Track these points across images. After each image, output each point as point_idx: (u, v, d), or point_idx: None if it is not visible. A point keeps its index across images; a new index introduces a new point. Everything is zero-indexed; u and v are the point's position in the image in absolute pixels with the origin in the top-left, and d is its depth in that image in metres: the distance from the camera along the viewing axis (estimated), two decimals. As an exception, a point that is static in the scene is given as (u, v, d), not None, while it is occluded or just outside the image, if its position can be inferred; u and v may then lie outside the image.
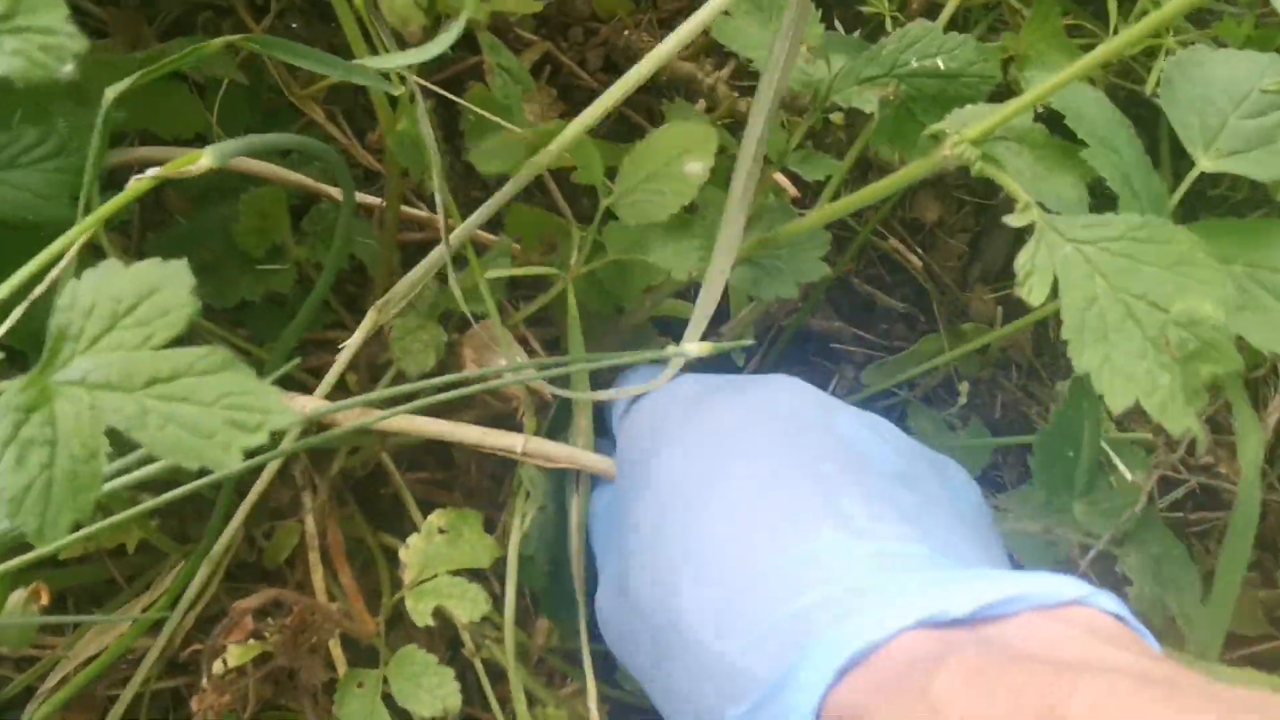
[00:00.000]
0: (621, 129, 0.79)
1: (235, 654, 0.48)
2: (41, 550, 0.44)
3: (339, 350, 0.55)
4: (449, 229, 0.52)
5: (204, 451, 0.37)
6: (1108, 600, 0.35)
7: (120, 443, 0.38)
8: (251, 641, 0.49)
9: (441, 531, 0.54)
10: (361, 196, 0.67)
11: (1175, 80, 0.52)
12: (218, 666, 0.47)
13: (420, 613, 0.53)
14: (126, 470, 0.44)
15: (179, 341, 0.38)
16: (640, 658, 0.45)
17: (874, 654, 0.34)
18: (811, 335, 0.83)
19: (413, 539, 0.54)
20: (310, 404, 0.51)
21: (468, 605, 0.53)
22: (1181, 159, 0.52)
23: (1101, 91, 0.55)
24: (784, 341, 0.79)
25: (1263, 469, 0.89)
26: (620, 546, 0.48)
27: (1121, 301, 0.45)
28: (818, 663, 0.35)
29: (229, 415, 0.37)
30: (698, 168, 0.55)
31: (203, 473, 0.44)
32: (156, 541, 0.57)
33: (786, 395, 0.49)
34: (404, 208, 0.68)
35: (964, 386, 0.81)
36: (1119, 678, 0.29)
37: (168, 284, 0.38)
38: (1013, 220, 0.47)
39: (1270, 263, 0.51)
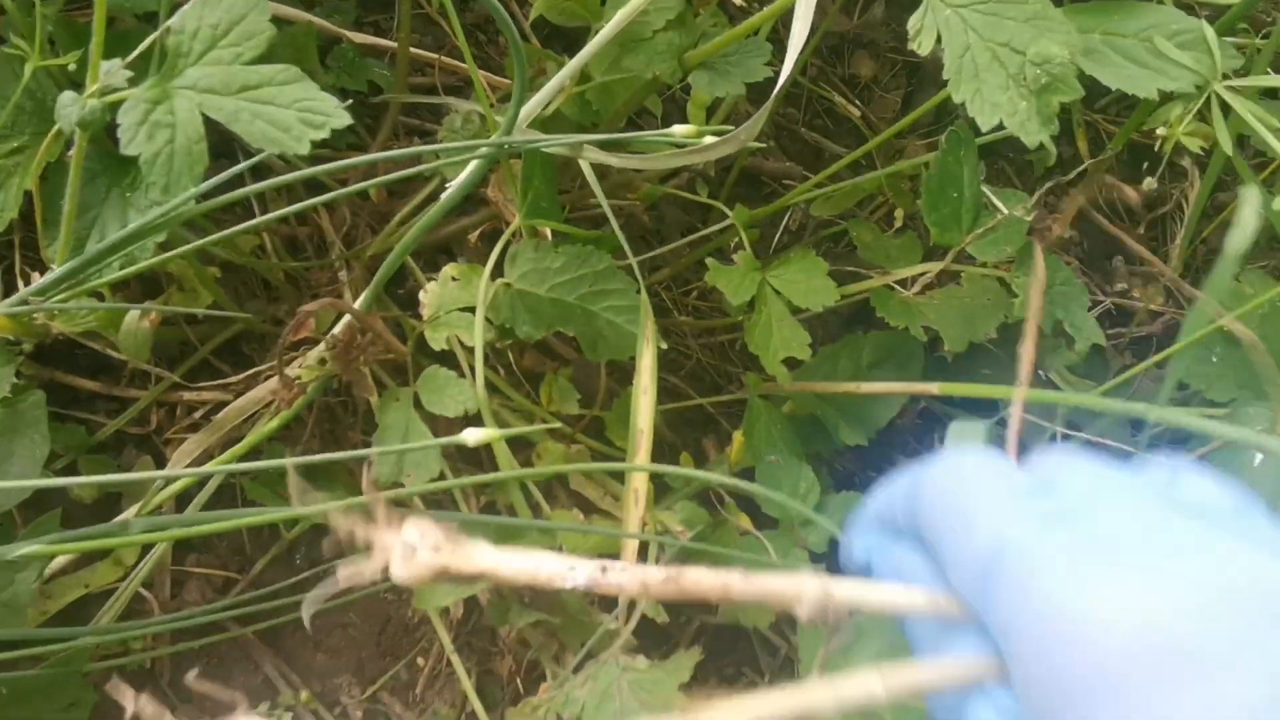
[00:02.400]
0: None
1: (305, 372, 0.61)
2: (143, 263, 0.56)
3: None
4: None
5: (282, 140, 0.49)
6: None
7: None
8: (314, 362, 0.61)
9: (454, 279, 0.66)
10: (376, 40, 0.79)
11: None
12: (290, 370, 0.59)
13: (436, 340, 0.65)
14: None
15: (262, 59, 0.50)
16: None
17: None
18: (766, 174, 0.96)
19: (430, 285, 0.66)
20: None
21: (470, 329, 0.65)
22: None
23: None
24: (734, 176, 0.91)
25: (1171, 289, 1.03)
26: None
27: (989, 48, 0.58)
28: None
29: (301, 115, 0.50)
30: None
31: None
32: (224, 305, 0.69)
33: (1198, 493, 0.31)
34: (413, 50, 0.80)
35: (899, 212, 0.93)
36: None
37: (251, 13, 0.50)
38: (904, -9, 0.59)
39: (1119, 30, 0.64)
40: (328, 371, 0.61)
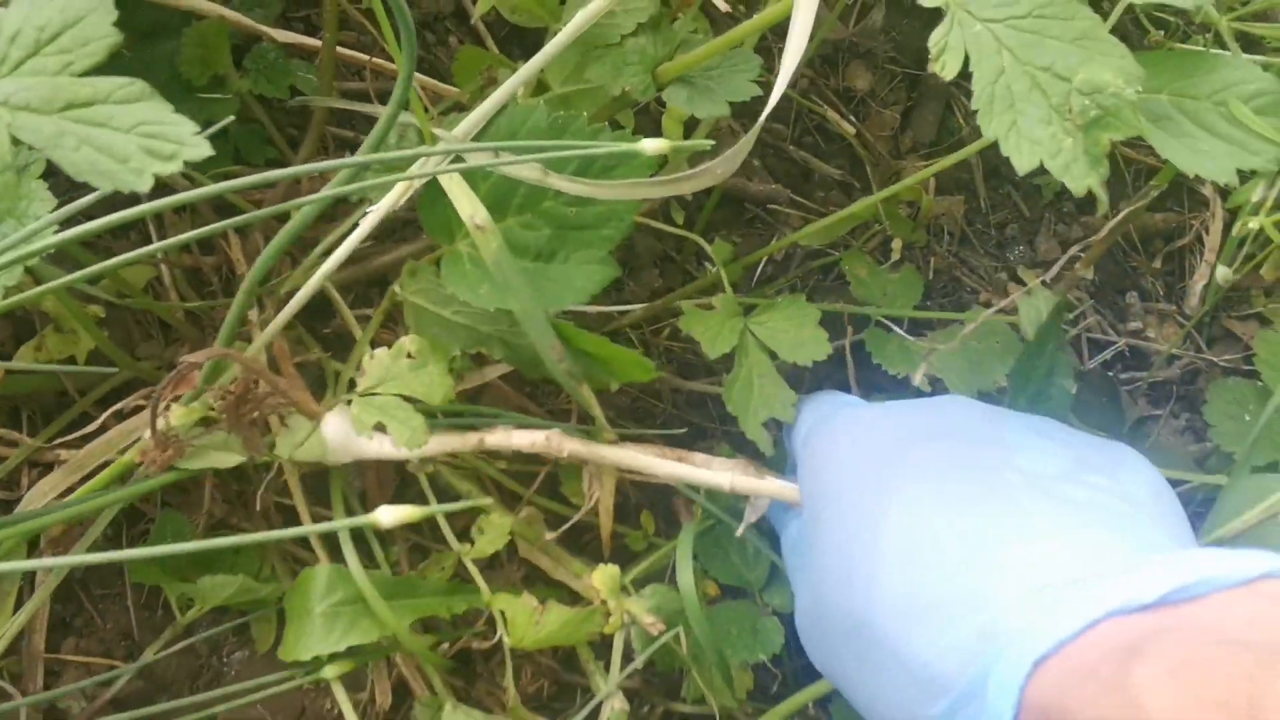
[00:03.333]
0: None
1: (177, 414, 0.50)
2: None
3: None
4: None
5: (118, 175, 0.39)
6: None
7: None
8: (193, 406, 0.50)
9: (409, 357, 0.56)
10: (302, 38, 0.68)
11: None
12: (161, 423, 0.48)
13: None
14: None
15: (105, 69, 0.39)
16: (840, 669, 0.47)
17: (1068, 647, 0.34)
18: (750, 199, 0.85)
19: (380, 351, 0.55)
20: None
21: (408, 433, 0.54)
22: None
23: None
24: (714, 201, 0.81)
25: (1191, 333, 0.94)
26: (812, 568, 0.49)
27: (1027, 73, 0.48)
28: (1012, 661, 0.35)
29: (144, 143, 0.39)
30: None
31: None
32: (107, 351, 0.58)
33: (955, 410, 0.52)
34: (341, 49, 0.69)
35: (897, 243, 0.83)
36: None
37: (91, 14, 0.39)
38: (925, 0, 0.49)
39: (1191, 91, 0.54)
40: (213, 425, 0.50)
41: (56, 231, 0.46)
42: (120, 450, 0.61)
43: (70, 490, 0.60)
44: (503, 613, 0.61)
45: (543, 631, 0.61)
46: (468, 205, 0.53)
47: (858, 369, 0.78)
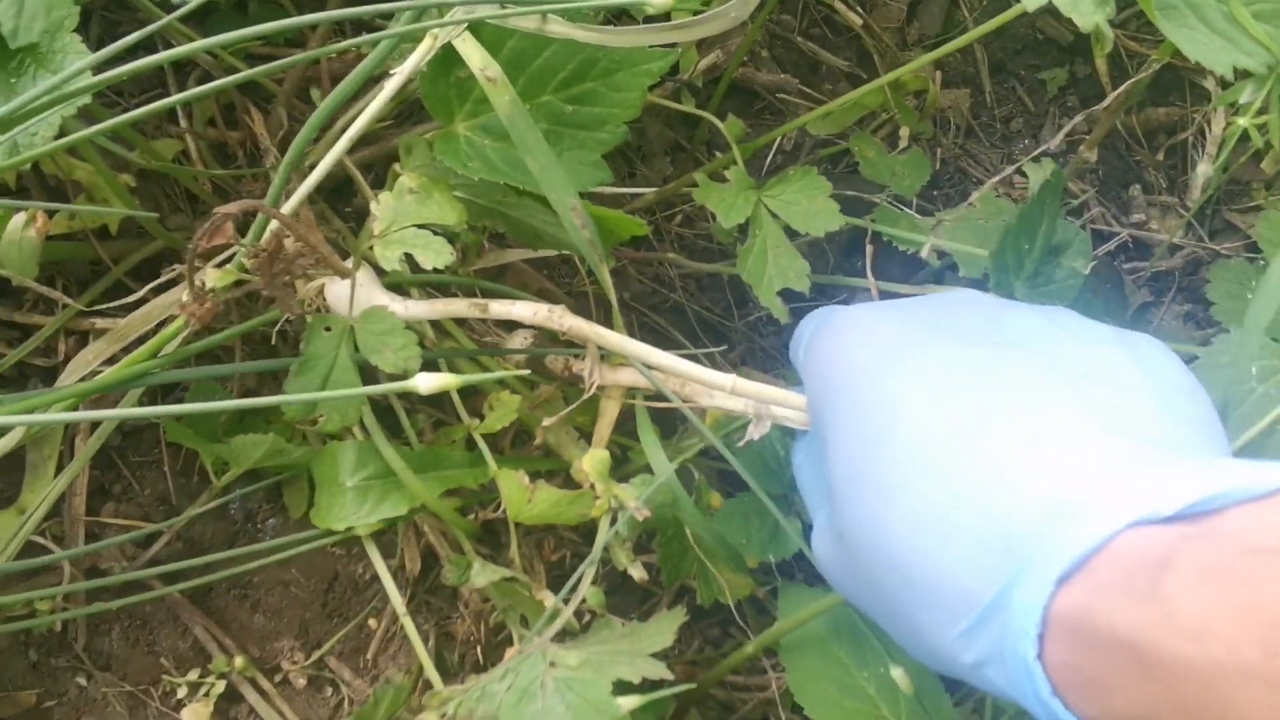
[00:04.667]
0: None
1: (213, 276, 0.52)
2: (29, 153, 0.47)
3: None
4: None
5: None
6: None
7: None
8: (228, 268, 0.52)
9: (412, 192, 0.57)
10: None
11: None
12: (199, 280, 0.50)
13: (388, 259, 0.56)
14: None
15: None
16: (863, 591, 0.45)
17: (1093, 560, 0.33)
18: (759, 89, 0.86)
19: (384, 195, 0.57)
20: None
21: (432, 254, 0.56)
22: None
23: None
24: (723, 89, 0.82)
25: (1193, 224, 0.95)
26: (823, 481, 0.47)
27: (1036, -87, 0.49)
28: (1036, 578, 0.34)
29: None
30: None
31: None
32: (139, 219, 0.60)
33: (965, 303, 0.49)
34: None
35: (904, 131, 0.85)
36: None
37: None
38: None
39: None
40: (248, 284, 0.52)
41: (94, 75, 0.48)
42: (159, 323, 0.63)
43: (111, 362, 0.62)
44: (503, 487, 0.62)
45: (535, 509, 0.61)
46: (479, 59, 0.54)
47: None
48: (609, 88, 0.58)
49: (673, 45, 0.60)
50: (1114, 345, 0.45)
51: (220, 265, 0.53)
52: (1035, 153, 0.91)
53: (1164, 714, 0.30)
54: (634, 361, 0.59)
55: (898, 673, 0.60)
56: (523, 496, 0.58)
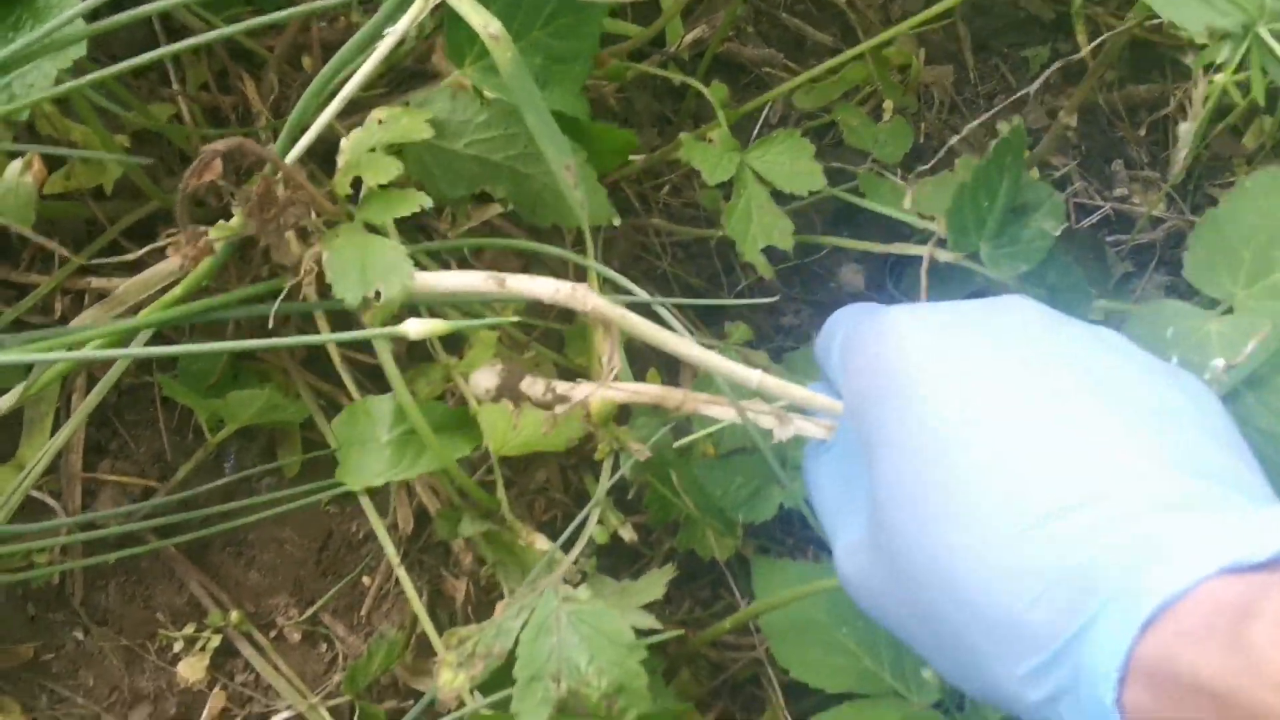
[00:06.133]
0: None
1: (214, 229, 0.53)
2: (24, 100, 0.48)
3: None
4: None
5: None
6: None
7: None
8: (224, 223, 0.53)
9: (380, 123, 0.58)
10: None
11: None
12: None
13: (342, 184, 0.57)
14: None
15: None
16: (907, 618, 0.42)
17: (1177, 605, 0.32)
18: (745, 63, 0.88)
19: (354, 131, 0.58)
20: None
21: (379, 171, 0.56)
22: None
23: None
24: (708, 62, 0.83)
25: (1175, 198, 0.97)
26: (863, 502, 0.45)
27: None
28: (1119, 616, 0.33)
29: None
30: None
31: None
32: (135, 178, 0.61)
33: (1009, 314, 0.45)
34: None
35: (888, 104, 0.86)
36: None
37: None
38: None
39: None
40: (241, 230, 0.53)
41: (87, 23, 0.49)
42: (158, 290, 0.65)
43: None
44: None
45: (520, 436, 0.60)
46: (479, 18, 0.56)
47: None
48: (580, 20, 0.59)
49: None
50: (1170, 378, 0.43)
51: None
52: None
53: None
54: (669, 347, 0.56)
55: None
56: (507, 424, 0.58)
